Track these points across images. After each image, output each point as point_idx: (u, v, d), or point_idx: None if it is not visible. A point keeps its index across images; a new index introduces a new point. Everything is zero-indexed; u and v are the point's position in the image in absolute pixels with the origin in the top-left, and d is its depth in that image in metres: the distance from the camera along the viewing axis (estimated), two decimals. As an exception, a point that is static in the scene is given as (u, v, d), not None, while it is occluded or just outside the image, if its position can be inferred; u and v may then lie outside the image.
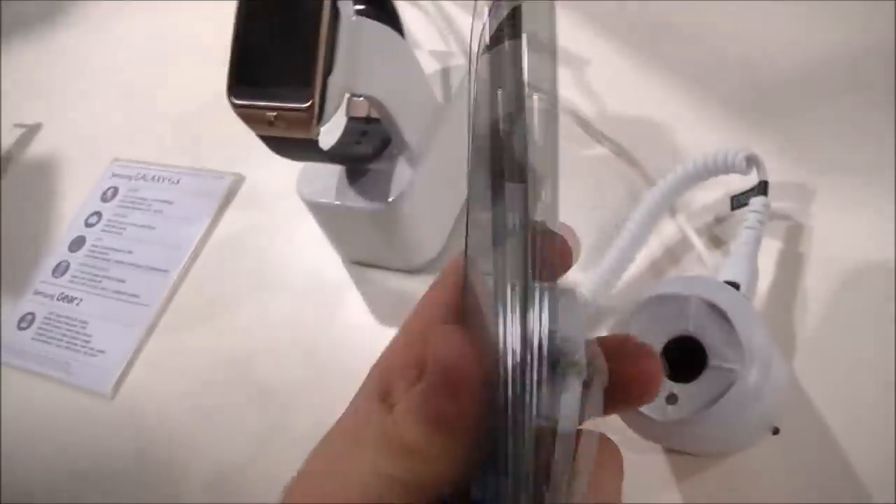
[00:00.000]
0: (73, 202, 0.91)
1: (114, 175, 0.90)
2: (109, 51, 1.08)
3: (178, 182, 0.86)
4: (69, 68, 1.09)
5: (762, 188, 0.58)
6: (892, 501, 0.48)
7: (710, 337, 0.47)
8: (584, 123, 0.71)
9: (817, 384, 0.53)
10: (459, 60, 0.69)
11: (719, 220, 0.63)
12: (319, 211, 0.68)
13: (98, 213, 0.87)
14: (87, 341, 0.78)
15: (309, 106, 0.52)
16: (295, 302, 0.74)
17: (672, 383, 0.47)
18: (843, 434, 0.51)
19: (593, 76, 0.75)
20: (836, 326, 0.56)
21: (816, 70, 0.68)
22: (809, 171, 0.63)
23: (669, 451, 0.54)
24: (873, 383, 0.52)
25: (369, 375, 0.36)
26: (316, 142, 0.56)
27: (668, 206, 0.62)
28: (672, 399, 0.47)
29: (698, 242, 0.61)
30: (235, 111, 0.55)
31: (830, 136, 0.64)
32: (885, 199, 0.59)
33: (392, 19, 0.62)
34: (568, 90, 0.74)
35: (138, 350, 0.76)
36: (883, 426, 0.51)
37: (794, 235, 0.60)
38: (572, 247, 0.33)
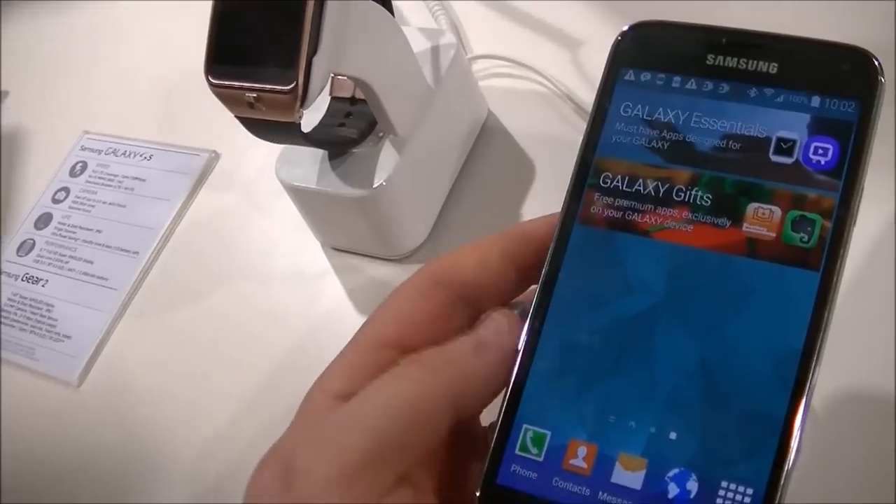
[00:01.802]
0: (40, 177, 0.87)
1: (83, 149, 0.87)
2: (85, 19, 1.03)
3: (150, 158, 0.82)
4: (39, 35, 1.05)
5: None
6: None
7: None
8: (580, 110, 0.68)
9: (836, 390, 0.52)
10: (450, 39, 0.66)
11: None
12: (299, 195, 0.65)
13: (66, 189, 0.84)
14: (53, 326, 0.75)
15: (292, 87, 0.49)
16: (271, 288, 0.71)
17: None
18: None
19: (586, 58, 0.73)
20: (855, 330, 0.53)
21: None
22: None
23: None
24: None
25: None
26: (298, 125, 0.53)
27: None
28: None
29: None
30: (213, 91, 0.52)
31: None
32: None
33: (381, -5, 0.59)
34: (565, 74, 0.71)
35: (106, 336, 0.73)
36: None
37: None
38: None
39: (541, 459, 0.33)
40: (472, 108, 0.70)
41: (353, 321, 0.67)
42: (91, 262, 0.77)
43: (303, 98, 0.49)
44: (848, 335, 0.52)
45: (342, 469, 0.30)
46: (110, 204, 0.81)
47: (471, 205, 0.68)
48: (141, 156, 0.83)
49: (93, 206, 0.81)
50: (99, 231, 0.79)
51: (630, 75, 0.37)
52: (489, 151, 0.70)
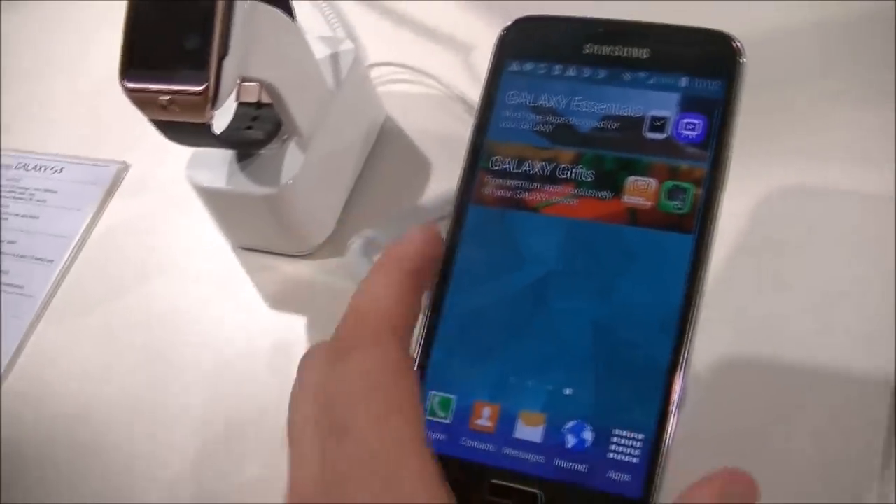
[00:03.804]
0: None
1: (-7, 164, 0.88)
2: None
3: (61, 171, 0.85)
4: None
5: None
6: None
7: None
8: (471, 109, 0.72)
9: (715, 355, 0.56)
10: (348, 46, 0.70)
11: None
12: (210, 196, 0.68)
13: (-23, 204, 0.85)
14: (-30, 334, 0.76)
15: (204, 89, 0.52)
16: (185, 289, 0.74)
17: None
18: (742, 395, 0.55)
19: (476, 61, 0.77)
20: (728, 302, 0.58)
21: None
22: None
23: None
24: (761, 349, 0.56)
25: None
26: (209, 126, 0.56)
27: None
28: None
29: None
30: (128, 95, 0.55)
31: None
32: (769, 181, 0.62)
33: (284, 4, 0.62)
34: (457, 77, 0.75)
35: (24, 342, 0.74)
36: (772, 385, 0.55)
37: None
38: None
39: (449, 422, 0.36)
40: (371, 110, 0.74)
41: (265, 315, 0.70)
42: (6, 272, 0.79)
43: (214, 98, 0.52)
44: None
45: None
46: (23, 216, 0.83)
47: (373, 200, 0.72)
48: (51, 169, 0.85)
49: (5, 219, 0.83)
50: (13, 242, 0.81)
51: (514, 66, 0.40)
52: (388, 151, 0.74)
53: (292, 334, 0.67)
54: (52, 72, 0.96)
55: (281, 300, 0.70)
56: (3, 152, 0.89)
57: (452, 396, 0.36)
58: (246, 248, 0.74)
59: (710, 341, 0.56)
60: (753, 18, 0.69)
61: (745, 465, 0.31)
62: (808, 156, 0.63)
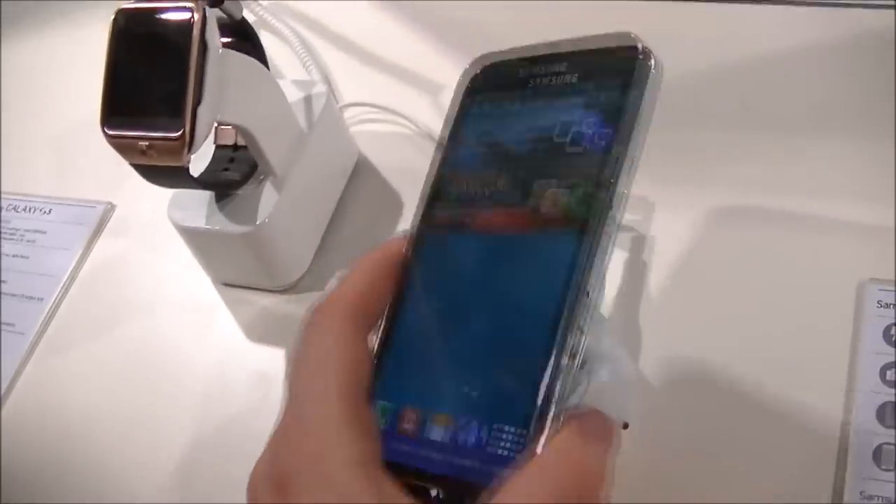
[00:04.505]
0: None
1: (-18, 207, 0.91)
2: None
3: (49, 212, 0.88)
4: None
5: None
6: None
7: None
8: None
9: (662, 379, 0.59)
10: (321, 88, 0.73)
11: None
12: (190, 235, 0.70)
13: (-31, 245, 0.88)
14: (-37, 371, 0.78)
15: (180, 135, 0.55)
16: (169, 324, 0.76)
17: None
18: (690, 423, 0.57)
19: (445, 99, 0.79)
20: (676, 326, 0.61)
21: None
22: (650, 185, 0.67)
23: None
24: (709, 374, 0.58)
25: None
26: (187, 169, 0.59)
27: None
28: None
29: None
30: (109, 141, 0.57)
31: (667, 155, 0.69)
32: (711, 208, 0.65)
33: (257, 51, 0.65)
34: (426, 115, 0.78)
35: (15, 378, 0.77)
36: (723, 413, 0.57)
37: (638, 245, 0.65)
38: None
39: (386, 427, 0.38)
40: (344, 149, 0.77)
41: (244, 347, 0.72)
42: (-2, 311, 0.82)
43: (190, 144, 0.55)
44: (688, 333, 0.60)
45: None
46: (13, 256, 0.85)
47: (347, 235, 0.75)
48: (40, 210, 0.88)
49: (-4, 260, 0.86)
50: (4, 281, 0.83)
51: (468, 102, 0.43)
52: (362, 187, 0.77)
53: (270, 365, 0.70)
54: (38, 114, 0.99)
55: (259, 332, 0.73)
56: (-7, 195, 0.92)
57: (390, 404, 0.39)
58: (226, 283, 0.76)
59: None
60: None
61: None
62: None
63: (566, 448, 0.34)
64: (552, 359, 0.35)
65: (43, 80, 1.03)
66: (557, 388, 0.35)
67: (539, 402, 0.35)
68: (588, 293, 0.36)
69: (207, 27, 0.55)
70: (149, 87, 0.57)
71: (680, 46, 0.73)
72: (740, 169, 0.68)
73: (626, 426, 0.53)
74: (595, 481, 0.34)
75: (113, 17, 0.57)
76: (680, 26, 0.77)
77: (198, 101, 0.55)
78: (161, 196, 0.69)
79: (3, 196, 0.91)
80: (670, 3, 0.79)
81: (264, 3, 0.93)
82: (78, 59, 0.99)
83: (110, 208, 0.86)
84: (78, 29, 1.04)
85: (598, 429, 0.36)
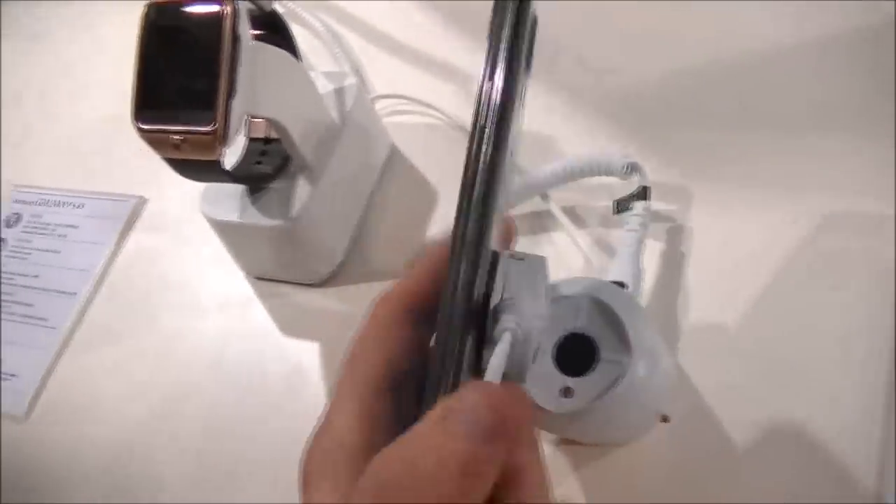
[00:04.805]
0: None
1: (15, 201, 0.91)
2: (6, 76, 1.08)
3: (81, 206, 0.88)
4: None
5: (644, 193, 0.62)
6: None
7: (601, 333, 0.50)
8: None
9: (700, 373, 0.58)
10: (352, 80, 0.72)
11: (605, 225, 0.66)
12: (223, 229, 0.70)
13: (2, 240, 0.88)
14: (-1, 367, 0.79)
15: (213, 129, 0.54)
16: (203, 317, 0.76)
17: (566, 377, 0.50)
18: (726, 418, 0.56)
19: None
20: (715, 319, 0.60)
21: (692, 84, 0.73)
22: (688, 176, 0.66)
23: (565, 442, 0.57)
24: (751, 369, 0.57)
25: None
26: (220, 163, 0.58)
27: (546, 189, 0.68)
28: (567, 392, 0.49)
29: (585, 246, 0.65)
30: (141, 136, 0.57)
31: (706, 145, 0.68)
32: (756, 202, 0.64)
33: (288, 43, 0.65)
34: (459, 107, 0.78)
35: (49, 372, 0.77)
36: (759, 407, 0.55)
37: (675, 236, 0.64)
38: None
39: None
40: (377, 141, 0.76)
41: (278, 341, 0.72)
42: (31, 305, 0.82)
43: (223, 137, 0.55)
44: (727, 326, 0.59)
45: None
46: (45, 251, 0.86)
47: (381, 230, 0.74)
48: (72, 205, 0.88)
49: (29, 254, 0.86)
50: (36, 276, 0.84)
51: None
52: (395, 180, 0.76)
53: (304, 358, 0.69)
54: (69, 108, 0.99)
55: (292, 326, 0.72)
56: (24, 189, 0.92)
57: None
58: (259, 277, 0.76)
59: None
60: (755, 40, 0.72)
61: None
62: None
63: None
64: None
65: (71, 76, 1.03)
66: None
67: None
68: None
69: (238, 19, 0.55)
70: (180, 80, 0.56)
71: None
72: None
73: (666, 419, 0.53)
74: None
75: (144, 10, 0.57)
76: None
77: (230, 95, 0.54)
78: (192, 189, 0.68)
79: (35, 191, 0.91)
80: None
81: (294, -6, 0.92)
82: (105, 54, 0.99)
83: (142, 202, 0.86)
84: (102, 26, 1.05)
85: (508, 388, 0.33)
